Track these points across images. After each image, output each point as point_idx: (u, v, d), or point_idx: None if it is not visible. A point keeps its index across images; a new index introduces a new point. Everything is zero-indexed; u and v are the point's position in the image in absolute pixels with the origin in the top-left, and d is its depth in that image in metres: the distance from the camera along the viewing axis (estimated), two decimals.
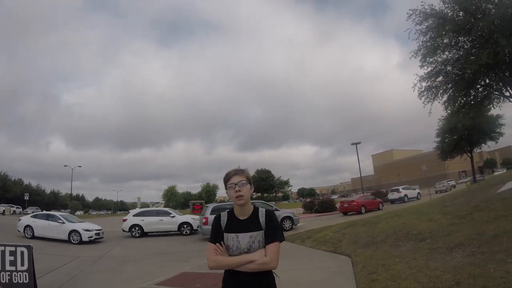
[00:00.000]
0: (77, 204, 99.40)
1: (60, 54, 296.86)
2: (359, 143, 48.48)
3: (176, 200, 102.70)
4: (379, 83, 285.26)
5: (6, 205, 49.34)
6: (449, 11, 13.17)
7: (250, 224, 2.25)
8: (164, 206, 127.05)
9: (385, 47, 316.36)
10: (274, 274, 2.28)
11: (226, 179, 2.30)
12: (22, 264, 3.56)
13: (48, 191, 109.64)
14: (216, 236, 2.28)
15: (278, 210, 19.92)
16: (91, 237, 17.00)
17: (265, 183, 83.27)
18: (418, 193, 36.89)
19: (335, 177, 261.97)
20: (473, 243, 6.42)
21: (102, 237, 17.89)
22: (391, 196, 35.39)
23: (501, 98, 14.59)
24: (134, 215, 20.90)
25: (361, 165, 47.84)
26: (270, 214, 2.30)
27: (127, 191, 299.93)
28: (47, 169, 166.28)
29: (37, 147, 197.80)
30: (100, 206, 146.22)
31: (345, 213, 26.90)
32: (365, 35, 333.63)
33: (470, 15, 12.65)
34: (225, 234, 2.27)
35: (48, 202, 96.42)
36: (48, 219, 17.88)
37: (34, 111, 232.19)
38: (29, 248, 3.69)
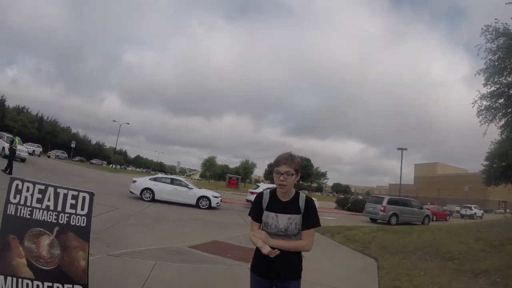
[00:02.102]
0: (119, 159, 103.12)
1: (129, 16, 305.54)
2: (405, 149, 47.22)
3: (213, 170, 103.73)
4: (441, 92, 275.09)
5: (35, 144, 47.79)
6: None
7: (290, 207, 2.45)
8: (200, 175, 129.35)
9: (455, 57, 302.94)
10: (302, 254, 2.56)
11: (275, 165, 2.45)
12: (82, 209, 3.77)
13: (93, 142, 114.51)
14: (256, 213, 2.57)
15: (422, 208, 24.46)
16: (218, 203, 18.30)
17: (303, 171, 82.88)
18: (482, 213, 44.54)
19: (374, 179, 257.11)
20: (498, 273, 6.46)
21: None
22: (463, 212, 40.40)
23: None
24: (265, 189, 22.27)
25: (403, 173, 47.08)
26: (309, 201, 2.50)
27: (168, 154, 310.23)
28: (97, 122, 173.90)
29: (91, 100, 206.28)
30: (141, 164, 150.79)
31: None
32: (437, 41, 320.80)
33: None
34: (266, 212, 2.50)
35: (93, 153, 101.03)
36: (173, 184, 18.45)
37: (95, 67, 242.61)
38: (91, 195, 3.84)
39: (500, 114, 13.77)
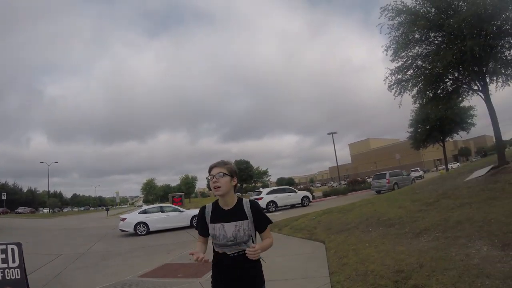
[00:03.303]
0: (55, 201, 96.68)
1: (44, 47, 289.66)
2: (335, 132, 49.04)
3: (155, 193, 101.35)
4: (364, 75, 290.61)
5: None
6: (421, 8, 13.49)
7: (235, 213, 2.35)
8: (144, 200, 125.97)
9: (373, 40, 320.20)
10: (261, 259, 2.44)
11: (209, 171, 2.39)
12: (14, 261, 3.73)
13: (25, 189, 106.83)
14: (202, 227, 2.46)
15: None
16: None
17: (244, 173, 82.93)
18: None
19: (315, 166, 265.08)
20: (438, 228, 6.78)
21: None
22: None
23: (470, 91, 15.02)
24: (267, 193, 24.96)
25: (341, 154, 49.69)
26: (253, 204, 2.43)
27: (106, 185, 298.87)
28: (26, 166, 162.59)
29: (16, 144, 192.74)
30: (79, 202, 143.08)
31: None
32: (355, 28, 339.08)
33: (441, 12, 13.04)
34: (211, 225, 2.39)
35: (26, 201, 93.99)
36: (164, 211, 18.58)
37: (14, 107, 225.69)
38: (19, 245, 3.81)
39: (411, 84, 14.60)
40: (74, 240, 16.63)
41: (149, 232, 17.18)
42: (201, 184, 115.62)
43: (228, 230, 2.33)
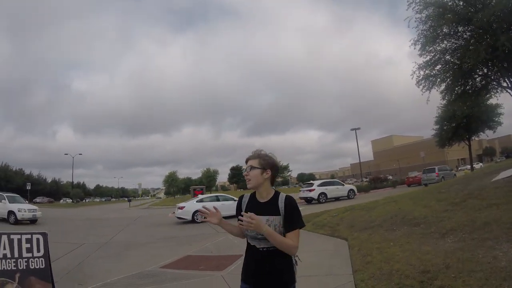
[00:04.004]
0: (79, 192, 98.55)
1: (71, 43, 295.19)
2: (358, 128, 48.50)
3: (177, 185, 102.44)
4: (390, 70, 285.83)
5: None
6: (449, 0, 13.20)
7: (269, 207, 2.28)
8: (165, 192, 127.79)
9: (399, 35, 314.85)
10: (296, 258, 2.37)
11: (245, 163, 2.41)
12: (38, 251, 3.79)
13: (49, 180, 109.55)
14: (238, 215, 2.42)
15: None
16: None
17: None
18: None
19: (337, 162, 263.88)
20: (464, 229, 6.62)
21: None
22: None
23: (499, 88, 14.65)
24: (319, 185, 26.28)
25: (363, 151, 48.86)
26: (289, 200, 2.31)
27: (129, 177, 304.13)
28: (52, 158, 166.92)
29: (44, 137, 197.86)
30: (101, 193, 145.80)
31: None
32: (380, 22, 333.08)
33: (470, 6, 12.71)
34: None
35: (50, 191, 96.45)
36: (219, 200, 20.04)
37: (43, 101, 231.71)
38: (45, 235, 3.86)
39: (439, 80, 14.29)
40: (96, 230, 16.93)
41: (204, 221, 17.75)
42: (222, 178, 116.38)
43: None
